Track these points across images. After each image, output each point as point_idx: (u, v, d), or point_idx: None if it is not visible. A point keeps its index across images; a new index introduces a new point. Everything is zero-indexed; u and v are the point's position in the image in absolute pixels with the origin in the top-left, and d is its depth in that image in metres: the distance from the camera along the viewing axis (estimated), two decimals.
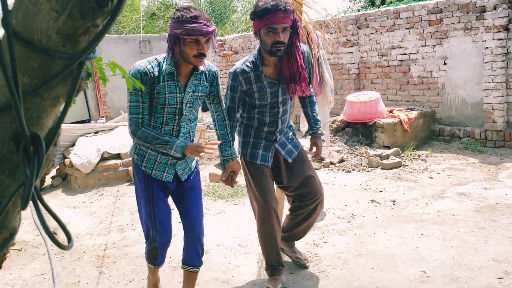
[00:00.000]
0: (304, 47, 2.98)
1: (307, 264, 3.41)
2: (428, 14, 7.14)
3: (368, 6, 21.92)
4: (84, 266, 3.77)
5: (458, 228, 3.97)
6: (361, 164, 6.29)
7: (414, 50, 7.46)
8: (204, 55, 2.46)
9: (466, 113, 6.98)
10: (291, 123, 3.26)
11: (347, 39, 8.46)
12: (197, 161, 2.90)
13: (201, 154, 2.51)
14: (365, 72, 8.37)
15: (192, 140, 2.79)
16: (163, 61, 2.52)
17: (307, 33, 4.11)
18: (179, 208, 2.79)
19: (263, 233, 3.11)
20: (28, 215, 5.24)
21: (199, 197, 2.86)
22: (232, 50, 11.53)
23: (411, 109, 7.22)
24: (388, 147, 6.68)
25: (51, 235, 0.79)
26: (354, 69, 8.47)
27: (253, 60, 2.90)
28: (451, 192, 4.95)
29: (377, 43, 8.03)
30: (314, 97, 3.40)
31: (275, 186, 3.20)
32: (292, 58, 2.82)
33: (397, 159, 6.15)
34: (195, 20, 2.36)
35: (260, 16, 2.65)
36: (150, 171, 2.64)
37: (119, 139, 6.08)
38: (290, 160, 3.11)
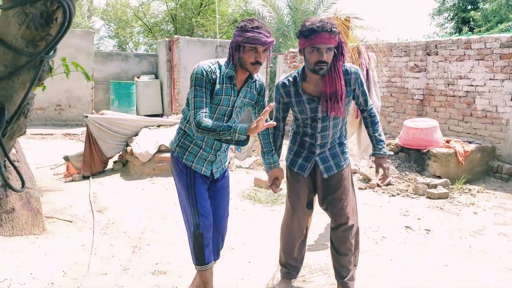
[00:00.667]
0: (353, 68, 3.10)
1: None
2: (500, 47, 6.96)
3: (454, 33, 21.30)
4: (121, 244, 4.14)
5: (487, 265, 3.92)
6: (407, 190, 6.26)
7: (481, 83, 7.28)
8: (260, 63, 2.70)
9: None
10: (344, 141, 3.27)
11: (415, 64, 8.40)
12: (228, 164, 3.15)
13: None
14: (430, 99, 8.26)
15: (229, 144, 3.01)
16: (224, 65, 2.76)
17: (358, 54, 4.25)
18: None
19: (283, 233, 3.32)
20: (85, 193, 5.78)
21: (227, 197, 3.09)
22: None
23: (470, 142, 7.06)
24: (439, 177, 6.58)
25: (5, 179, 1.06)
26: (419, 95, 8.39)
27: (296, 75, 3.09)
28: (491, 229, 4.85)
29: (444, 71, 7.91)
30: (377, 117, 3.36)
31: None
32: (335, 77, 2.98)
33: (445, 190, 6.06)
34: (256, 30, 2.63)
35: (306, 35, 2.84)
36: (190, 163, 2.84)
37: None
38: (325, 176, 3.14)
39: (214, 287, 3.09)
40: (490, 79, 7.15)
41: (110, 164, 7.10)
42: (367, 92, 3.16)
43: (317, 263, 3.73)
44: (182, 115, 2.95)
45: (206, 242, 2.82)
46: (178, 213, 4.50)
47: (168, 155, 6.36)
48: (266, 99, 3.03)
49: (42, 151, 8.74)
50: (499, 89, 7.02)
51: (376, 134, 3.20)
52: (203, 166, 2.86)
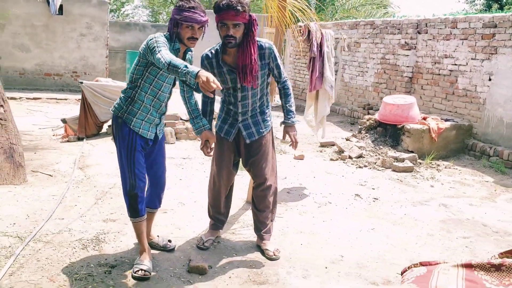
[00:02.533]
0: (268, 43, 3.43)
1: (273, 257, 3.54)
2: (482, 27, 7.05)
3: (484, 10, 20.79)
4: (87, 196, 4.67)
5: (411, 231, 4.26)
6: (375, 162, 6.56)
7: (463, 62, 7.41)
8: (196, 39, 3.08)
9: (501, 132, 6.87)
10: (266, 111, 3.65)
11: (405, 42, 8.53)
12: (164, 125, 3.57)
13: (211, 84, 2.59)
14: (418, 77, 8.42)
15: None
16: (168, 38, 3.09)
17: (308, 32, 4.55)
18: (148, 162, 3.37)
19: (210, 190, 3.73)
20: (75, 153, 6.34)
21: (165, 155, 3.53)
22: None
23: (447, 120, 7.24)
24: (412, 152, 6.83)
25: None
26: (408, 72, 8.55)
27: (218, 48, 3.46)
28: (436, 202, 5.14)
29: (432, 50, 8.04)
30: (290, 90, 3.76)
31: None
32: (246, 51, 3.32)
33: (410, 164, 6.34)
34: (192, 10, 3.00)
35: (216, 12, 3.21)
36: (138, 129, 3.17)
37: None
38: (247, 141, 3.54)
39: (154, 233, 3.59)
40: (471, 58, 7.27)
41: (105, 128, 7.64)
42: (281, 66, 3.49)
43: (249, 219, 4.13)
44: (129, 83, 3.30)
45: (140, 200, 3.23)
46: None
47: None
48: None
49: (52, 114, 9.39)
50: (479, 68, 7.14)
51: (287, 105, 3.57)
52: (149, 130, 3.22)
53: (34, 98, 11.26)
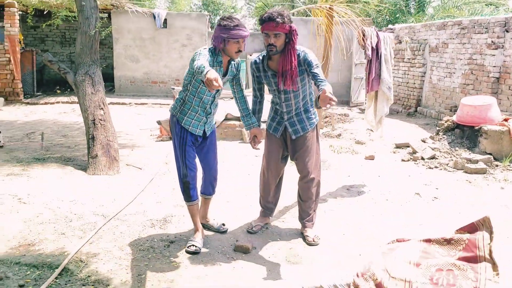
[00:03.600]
0: (303, 52, 3.78)
1: (312, 243, 3.91)
2: None
3: None
4: (166, 186, 5.37)
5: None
6: (447, 164, 6.52)
7: None
8: (241, 51, 3.62)
9: None
10: (310, 109, 4.06)
11: (492, 41, 8.25)
12: (215, 123, 4.11)
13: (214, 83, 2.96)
14: (505, 77, 8.10)
15: (216, 107, 3.94)
16: (212, 51, 3.60)
17: (363, 35, 4.82)
18: (201, 155, 3.97)
19: (261, 181, 4.20)
20: (166, 151, 7.15)
21: (216, 149, 4.07)
22: (398, 39, 11.88)
23: None
24: (490, 154, 6.67)
25: None
26: (495, 73, 8.25)
27: (264, 54, 3.92)
28: (499, 203, 5.07)
29: None
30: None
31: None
32: (287, 58, 3.72)
33: (483, 166, 6.22)
34: (237, 28, 3.52)
35: (260, 23, 3.68)
36: (188, 126, 3.77)
37: None
38: (293, 137, 3.97)
39: (211, 217, 4.16)
40: None
41: None
42: (317, 71, 3.67)
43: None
44: (182, 88, 3.93)
45: (191, 187, 3.80)
46: (220, 172, 5.55)
47: (232, 122, 7.49)
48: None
49: (154, 117, 10.49)
50: None
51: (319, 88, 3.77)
52: (198, 128, 3.79)
53: (142, 104, 12.57)
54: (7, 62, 11.59)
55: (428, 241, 2.11)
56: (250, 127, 3.99)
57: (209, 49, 3.61)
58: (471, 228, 2.06)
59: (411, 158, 6.85)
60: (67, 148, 7.27)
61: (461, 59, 9.33)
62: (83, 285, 3.14)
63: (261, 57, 3.90)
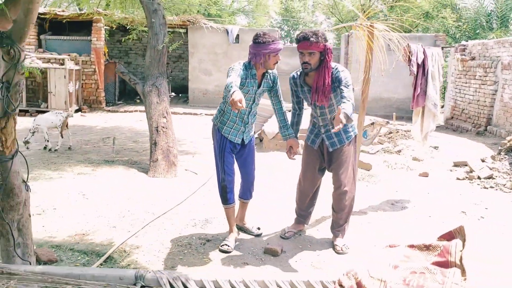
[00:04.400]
0: (335, 70, 3.85)
1: (340, 251, 4.03)
2: None
3: None
4: (215, 190, 5.73)
5: (496, 246, 4.26)
6: (505, 184, 6.31)
7: None
8: (275, 64, 3.93)
9: None
10: (347, 123, 4.19)
11: None
12: (254, 132, 4.39)
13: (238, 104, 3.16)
14: None
15: (254, 117, 4.24)
16: (247, 66, 3.92)
17: (409, 52, 4.90)
18: (239, 162, 4.25)
19: (297, 189, 4.41)
20: None
21: (254, 154, 4.30)
22: (471, 56, 11.52)
23: None
24: None
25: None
26: None
27: (302, 70, 4.16)
28: None
29: None
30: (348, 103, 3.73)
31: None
32: (321, 75, 3.90)
33: None
34: (274, 43, 3.82)
35: (296, 43, 3.92)
36: (227, 135, 4.09)
37: None
38: (330, 149, 4.15)
39: (248, 220, 4.42)
40: None
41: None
42: (346, 89, 3.73)
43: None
44: (222, 99, 4.25)
45: (228, 190, 4.10)
46: (268, 178, 5.80)
47: None
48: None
49: None
50: None
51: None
52: (236, 136, 4.09)
53: (211, 114, 13.15)
54: (93, 73, 12.70)
55: (411, 246, 2.23)
56: (287, 138, 4.22)
57: (244, 63, 3.91)
58: (449, 236, 2.15)
59: (466, 177, 6.69)
60: (135, 152, 7.91)
61: None
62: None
63: (299, 73, 4.12)
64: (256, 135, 8.64)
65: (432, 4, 18.14)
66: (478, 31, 17.67)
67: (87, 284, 2.12)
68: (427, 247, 2.13)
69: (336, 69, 3.90)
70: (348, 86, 3.87)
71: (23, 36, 2.27)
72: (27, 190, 2.84)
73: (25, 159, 2.89)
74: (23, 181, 2.81)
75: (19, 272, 2.15)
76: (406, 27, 18.98)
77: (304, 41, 3.78)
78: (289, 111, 4.31)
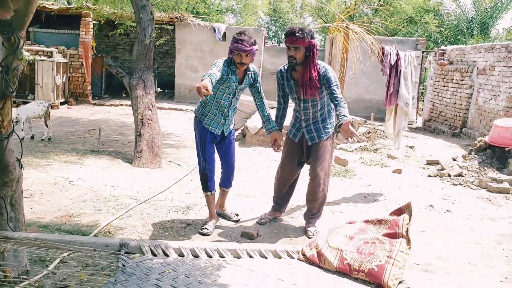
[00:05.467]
0: (323, 68, 4.08)
1: (311, 236, 4.25)
2: None
3: None
4: (198, 180, 5.98)
5: (458, 237, 4.58)
6: (472, 182, 6.66)
7: None
8: (244, 64, 4.08)
9: None
10: (327, 119, 4.33)
11: None
12: (234, 125, 4.63)
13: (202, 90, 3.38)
14: None
15: (234, 110, 4.48)
16: (228, 62, 4.19)
17: (383, 53, 5.20)
18: (220, 153, 4.50)
19: (276, 178, 4.64)
20: None
21: (234, 145, 4.54)
22: (449, 60, 11.93)
23: None
24: None
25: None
26: None
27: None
28: (510, 220, 5.22)
29: None
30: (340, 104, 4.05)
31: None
32: (307, 70, 4.11)
33: (507, 186, 6.32)
34: (241, 42, 4.02)
35: (284, 37, 4.16)
36: (208, 126, 4.33)
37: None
38: (309, 143, 4.37)
39: (228, 207, 4.69)
40: None
41: (237, 133, 9.05)
42: (334, 87, 4.01)
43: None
44: None
45: (209, 179, 4.35)
46: (249, 170, 6.08)
47: None
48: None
49: None
50: None
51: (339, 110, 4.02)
52: (216, 128, 4.32)
53: None
54: (80, 66, 12.84)
55: (366, 221, 2.51)
56: (270, 131, 4.43)
57: (226, 60, 4.16)
58: (399, 212, 2.44)
59: (437, 175, 7.04)
60: (120, 144, 8.11)
61: (506, 82, 9.33)
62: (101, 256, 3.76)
63: (286, 67, 4.35)
64: (239, 131, 8.92)
65: (415, 9, 18.56)
66: (459, 36, 18.17)
67: (76, 248, 2.36)
68: (380, 222, 2.42)
69: (324, 67, 4.09)
70: (338, 87, 4.08)
71: (23, 25, 2.50)
72: (21, 168, 3.06)
73: (19, 138, 3.12)
74: (17, 159, 3.04)
75: (14, 237, 2.38)
76: (390, 30, 19.42)
77: (290, 36, 3.99)
78: (272, 108, 4.56)
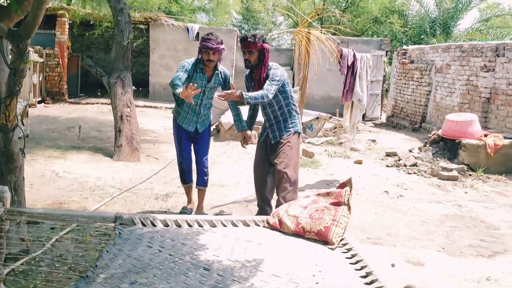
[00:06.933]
0: (273, 65, 4.61)
1: None
2: None
3: None
4: (175, 173, 6.47)
5: (407, 217, 5.21)
6: (425, 171, 7.36)
7: None
8: (211, 61, 4.47)
9: None
10: (288, 119, 4.60)
11: (484, 64, 9.03)
12: (210, 122, 5.06)
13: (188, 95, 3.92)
14: (495, 98, 8.85)
15: (207, 109, 4.92)
16: (196, 61, 4.73)
17: (340, 55, 5.80)
18: (194, 149, 4.85)
19: (253, 174, 5.06)
20: None
21: (208, 143, 4.90)
22: (410, 59, 12.71)
23: (506, 138, 7.66)
24: (468, 165, 7.46)
25: None
26: (486, 93, 9.01)
27: None
28: (455, 203, 5.89)
29: (507, 72, 8.46)
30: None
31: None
32: (258, 71, 4.46)
33: (455, 174, 7.03)
34: (208, 41, 4.42)
35: (240, 42, 4.65)
36: (182, 124, 4.73)
37: None
38: (272, 141, 4.67)
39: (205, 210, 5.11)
40: None
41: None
42: (270, 84, 4.26)
43: None
44: None
45: (186, 173, 4.79)
46: (224, 162, 6.56)
47: None
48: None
49: None
50: None
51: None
52: (189, 125, 4.69)
53: (171, 108, 13.80)
54: (56, 65, 13.11)
55: (318, 195, 3.08)
56: (240, 130, 4.80)
57: (194, 59, 4.54)
58: (343, 185, 3.01)
59: (394, 165, 7.72)
60: (100, 140, 8.53)
61: (460, 80, 10.11)
62: (96, 230, 4.24)
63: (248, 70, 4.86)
64: (214, 126, 9.43)
65: (381, 10, 19.37)
66: (422, 36, 19.05)
67: (78, 220, 2.86)
68: (328, 194, 2.99)
69: (271, 67, 4.43)
70: (272, 80, 4.31)
71: (30, 34, 2.96)
72: (23, 156, 3.52)
73: (22, 131, 3.57)
74: (20, 149, 3.50)
75: (26, 211, 2.85)
76: (357, 30, 20.21)
77: (244, 41, 4.37)
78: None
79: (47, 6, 3.07)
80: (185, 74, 4.37)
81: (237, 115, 4.76)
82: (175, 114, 4.75)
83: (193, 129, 4.67)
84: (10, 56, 3.13)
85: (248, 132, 4.81)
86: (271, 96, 4.21)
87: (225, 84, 4.72)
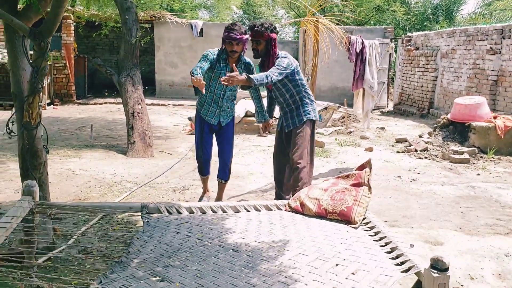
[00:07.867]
0: (281, 54, 4.63)
1: None
2: None
3: None
4: (189, 166, 6.56)
5: (421, 200, 5.27)
6: (437, 155, 7.40)
7: None
8: (235, 52, 4.44)
9: None
10: (301, 108, 4.59)
11: (490, 47, 9.03)
12: (233, 115, 5.03)
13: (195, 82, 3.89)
14: (502, 80, 8.86)
15: (230, 102, 4.91)
16: (220, 51, 4.54)
17: (349, 42, 5.85)
18: (217, 142, 4.86)
19: (273, 168, 5.07)
20: (193, 141, 8.37)
21: (231, 138, 4.87)
22: (415, 46, 12.71)
23: None
24: (479, 148, 7.49)
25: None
26: (493, 76, 9.02)
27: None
28: (468, 184, 5.94)
29: None
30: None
31: None
32: (266, 62, 4.40)
33: (466, 156, 7.07)
34: (231, 31, 4.42)
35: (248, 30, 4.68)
36: (205, 116, 4.74)
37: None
38: (286, 130, 4.70)
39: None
40: None
41: None
42: (274, 71, 4.20)
43: None
44: None
45: (204, 165, 4.80)
46: (235, 155, 6.59)
47: (252, 118, 8.63)
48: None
49: (187, 116, 11.78)
50: None
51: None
52: (212, 118, 4.69)
53: (179, 105, 13.92)
54: (63, 67, 13.23)
55: (338, 177, 3.15)
56: (262, 121, 4.83)
57: (218, 49, 4.53)
58: (362, 167, 3.08)
59: (405, 150, 7.76)
60: (111, 138, 8.62)
61: (466, 64, 10.12)
62: (118, 223, 4.33)
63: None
64: None
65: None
66: (425, 23, 19.00)
67: (106, 211, 2.94)
68: (348, 176, 3.06)
69: (280, 55, 4.40)
70: (277, 65, 4.26)
71: (51, 32, 3.04)
72: (47, 153, 3.61)
73: (44, 128, 3.66)
74: (43, 146, 3.59)
75: (55, 204, 2.94)
76: (360, 20, 20.17)
77: (251, 31, 4.37)
78: (264, 97, 4.94)
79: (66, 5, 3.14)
80: (207, 63, 4.31)
81: (260, 106, 4.73)
82: (198, 106, 4.70)
83: (216, 122, 4.64)
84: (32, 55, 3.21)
85: (268, 121, 4.83)
86: (275, 78, 4.16)
87: (249, 73, 4.64)
